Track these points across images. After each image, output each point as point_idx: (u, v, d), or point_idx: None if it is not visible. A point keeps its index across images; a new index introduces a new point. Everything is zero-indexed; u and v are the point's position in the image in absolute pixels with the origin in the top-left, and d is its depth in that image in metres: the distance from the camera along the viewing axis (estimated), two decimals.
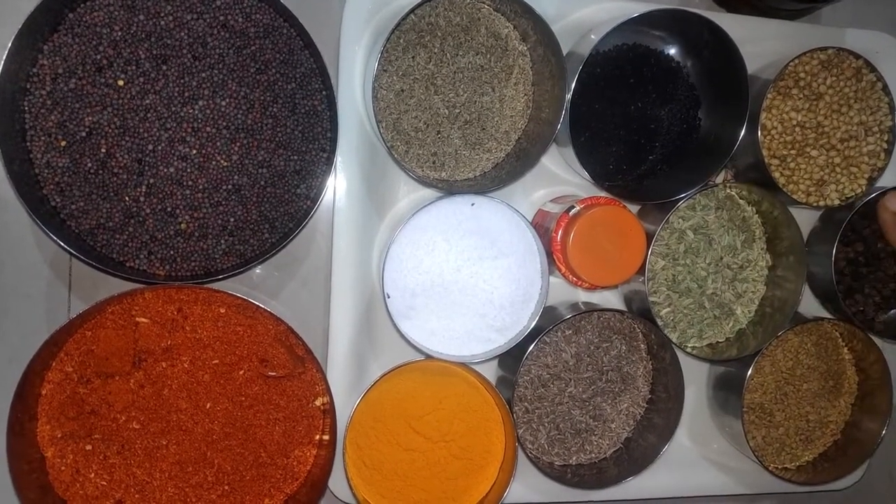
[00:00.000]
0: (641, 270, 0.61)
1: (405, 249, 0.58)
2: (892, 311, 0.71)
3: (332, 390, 0.61)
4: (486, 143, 0.62)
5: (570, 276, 0.61)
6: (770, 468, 0.67)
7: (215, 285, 0.60)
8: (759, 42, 0.67)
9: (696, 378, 0.71)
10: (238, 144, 0.55)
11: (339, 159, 0.60)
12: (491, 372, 0.65)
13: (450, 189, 0.60)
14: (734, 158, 0.63)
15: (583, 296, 0.68)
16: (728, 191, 0.65)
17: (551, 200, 0.66)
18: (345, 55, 0.59)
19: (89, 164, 0.53)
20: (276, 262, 0.64)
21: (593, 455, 0.66)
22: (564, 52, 0.62)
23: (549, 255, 0.61)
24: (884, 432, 0.68)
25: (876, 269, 0.69)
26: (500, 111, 0.62)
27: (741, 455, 0.70)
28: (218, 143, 0.54)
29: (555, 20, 0.62)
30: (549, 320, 0.62)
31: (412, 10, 0.56)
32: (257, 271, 0.64)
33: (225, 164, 0.54)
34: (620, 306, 0.68)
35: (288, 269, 0.64)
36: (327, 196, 0.61)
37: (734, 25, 0.66)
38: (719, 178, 0.68)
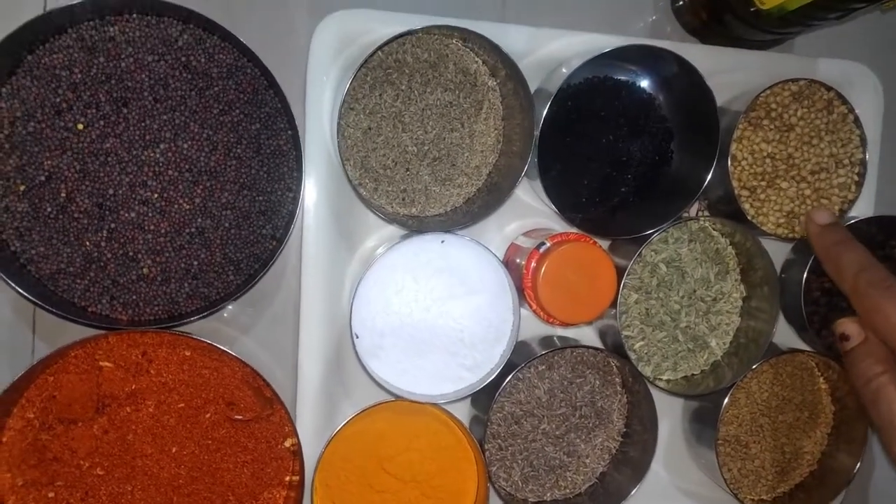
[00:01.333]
0: (614, 304, 0.60)
1: (373, 289, 0.57)
2: None
3: (303, 430, 0.60)
4: (456, 179, 0.61)
5: (542, 313, 0.60)
6: (745, 500, 0.66)
7: (183, 325, 0.59)
8: (731, 73, 0.66)
9: (672, 409, 0.71)
10: (201, 187, 0.54)
11: (307, 198, 0.59)
12: (464, 410, 0.65)
13: (420, 225, 0.60)
14: (706, 191, 0.62)
15: (558, 330, 0.67)
16: (701, 223, 0.65)
17: (523, 234, 0.65)
18: (312, 93, 0.59)
19: (49, 209, 0.52)
20: (247, 297, 0.63)
21: (568, 491, 0.66)
22: (535, 85, 0.62)
23: (521, 291, 0.60)
24: (860, 462, 0.68)
25: None
26: (471, 146, 0.61)
27: (717, 487, 0.69)
28: (180, 187, 0.53)
29: (524, 55, 0.62)
30: (522, 356, 0.61)
31: (379, 48, 0.55)
32: (229, 307, 0.63)
33: (187, 207, 0.53)
34: (595, 340, 0.68)
35: (258, 306, 0.63)
36: (295, 234, 0.60)
37: (706, 56, 0.66)
38: (693, 210, 0.68)
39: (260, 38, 0.59)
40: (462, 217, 0.61)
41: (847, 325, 0.58)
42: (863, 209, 0.69)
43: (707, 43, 0.69)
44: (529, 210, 0.66)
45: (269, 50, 0.56)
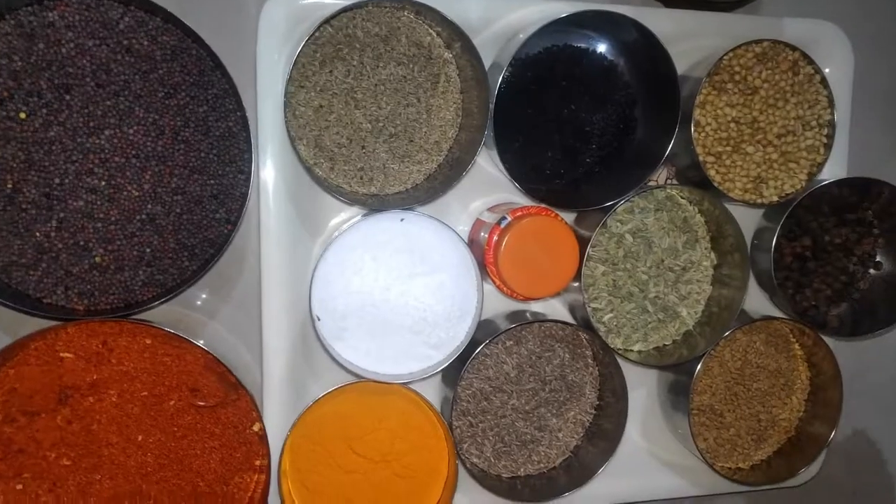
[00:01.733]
0: (578, 277, 0.59)
1: (332, 270, 0.57)
2: (845, 305, 0.70)
3: (271, 413, 0.60)
4: (415, 156, 0.60)
5: (504, 289, 0.59)
6: (720, 469, 0.66)
7: (148, 311, 0.58)
8: (696, 37, 0.65)
9: (649, 379, 0.70)
10: (149, 172, 0.53)
11: (266, 180, 0.58)
12: (436, 389, 0.64)
13: (381, 204, 0.59)
14: (671, 158, 0.61)
15: (531, 305, 0.66)
16: (668, 191, 0.64)
17: (488, 209, 0.64)
18: (263, 73, 0.57)
19: None
20: (209, 284, 0.62)
21: (542, 465, 0.65)
22: (493, 56, 0.61)
23: (483, 266, 0.59)
24: (836, 427, 0.67)
25: (825, 262, 0.68)
26: (428, 121, 0.60)
27: (694, 456, 0.69)
28: (128, 173, 0.53)
29: (482, 25, 0.61)
30: (489, 332, 0.60)
31: (327, 21, 0.54)
32: (201, 294, 0.63)
33: (136, 193, 0.53)
34: (566, 314, 0.67)
35: (222, 291, 0.63)
36: (254, 217, 0.60)
37: (670, 20, 0.65)
38: (661, 178, 0.67)
39: (208, 19, 0.58)
40: (424, 194, 0.60)
41: None
42: (836, 171, 0.68)
43: (670, 6, 0.68)
44: (495, 185, 0.65)
45: (219, 30, 0.55)
